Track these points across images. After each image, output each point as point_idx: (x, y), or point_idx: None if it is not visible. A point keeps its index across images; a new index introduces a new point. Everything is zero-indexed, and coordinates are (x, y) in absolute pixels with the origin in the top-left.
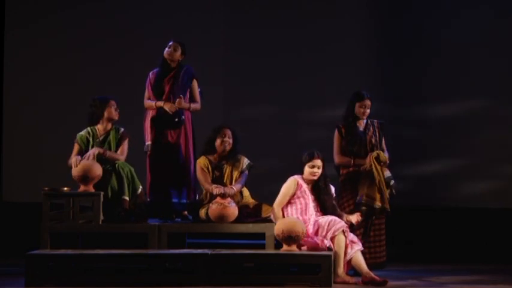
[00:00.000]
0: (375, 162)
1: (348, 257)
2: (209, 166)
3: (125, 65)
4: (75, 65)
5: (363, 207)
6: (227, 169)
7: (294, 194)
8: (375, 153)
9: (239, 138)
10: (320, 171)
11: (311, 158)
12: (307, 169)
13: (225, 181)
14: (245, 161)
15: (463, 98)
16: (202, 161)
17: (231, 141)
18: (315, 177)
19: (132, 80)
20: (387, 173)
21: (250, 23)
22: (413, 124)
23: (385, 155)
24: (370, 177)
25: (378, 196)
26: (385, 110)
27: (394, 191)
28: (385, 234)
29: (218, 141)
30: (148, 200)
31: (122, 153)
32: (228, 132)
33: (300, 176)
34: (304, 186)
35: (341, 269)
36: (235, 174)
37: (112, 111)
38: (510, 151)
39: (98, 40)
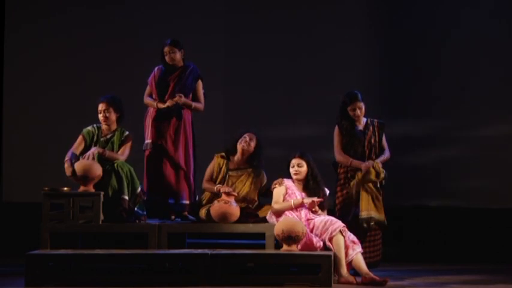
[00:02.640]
0: (364, 181)
1: (349, 258)
2: (224, 166)
3: (126, 69)
4: (75, 66)
5: (365, 224)
6: (247, 180)
7: (285, 194)
8: (367, 172)
9: (262, 148)
10: (302, 169)
11: (291, 158)
12: (290, 169)
13: (240, 190)
14: (265, 179)
15: (463, 98)
16: (219, 157)
17: (252, 143)
18: (297, 176)
19: (132, 83)
20: (378, 185)
21: (250, 27)
22: (413, 124)
23: (378, 171)
24: (364, 191)
25: (373, 207)
26: (384, 111)
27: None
28: (381, 233)
29: (240, 144)
30: (145, 198)
31: (122, 154)
32: (250, 135)
33: (289, 178)
34: (292, 187)
35: (344, 270)
36: (254, 186)
37: (99, 115)
38: (510, 151)
39: (98, 43)
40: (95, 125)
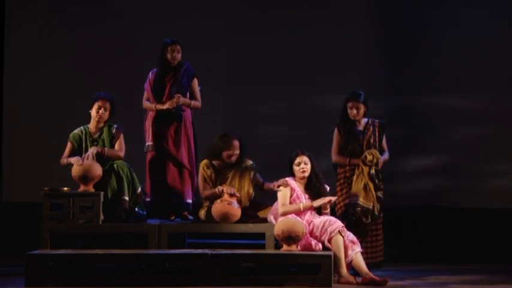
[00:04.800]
0: (362, 164)
1: (349, 259)
2: (212, 174)
3: (125, 68)
4: (75, 66)
5: (350, 210)
6: (235, 177)
7: (291, 195)
8: (363, 155)
9: (246, 146)
10: (308, 166)
11: (295, 156)
12: (295, 168)
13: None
14: (251, 165)
15: (463, 100)
16: (205, 167)
17: (238, 152)
18: (305, 174)
19: (131, 82)
20: (373, 171)
21: (250, 27)
22: (413, 124)
23: (374, 155)
24: (360, 178)
25: (363, 194)
26: (384, 110)
27: (379, 183)
28: (383, 233)
29: (225, 154)
30: (148, 200)
31: (120, 149)
32: (236, 144)
33: (291, 178)
34: (297, 187)
35: (344, 270)
36: (243, 180)
37: (93, 111)
38: (510, 150)
39: (98, 42)
40: (81, 127)
